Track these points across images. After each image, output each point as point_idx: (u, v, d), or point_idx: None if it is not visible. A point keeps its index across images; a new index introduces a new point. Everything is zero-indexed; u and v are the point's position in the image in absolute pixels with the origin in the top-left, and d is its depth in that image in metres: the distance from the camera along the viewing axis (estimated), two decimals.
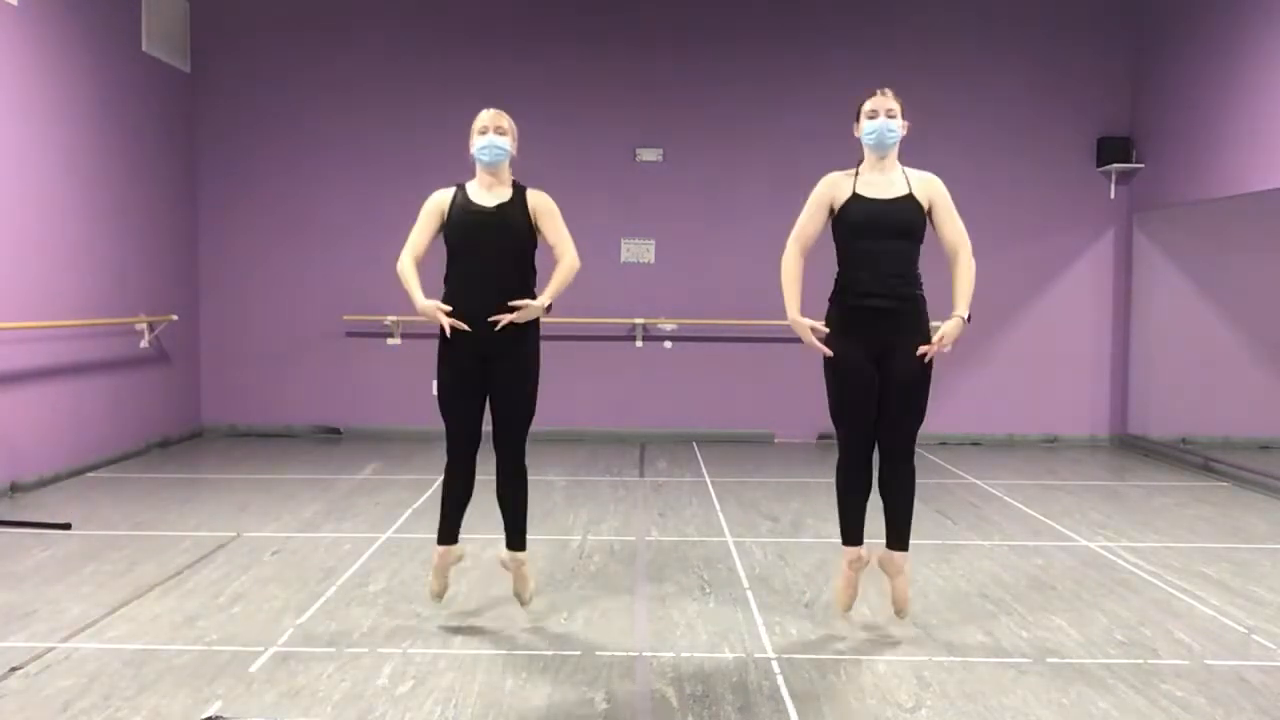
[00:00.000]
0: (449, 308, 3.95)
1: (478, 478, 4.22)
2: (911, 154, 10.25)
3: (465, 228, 4.00)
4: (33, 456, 6.85)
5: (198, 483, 7.28)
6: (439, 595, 4.30)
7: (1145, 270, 9.17)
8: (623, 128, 9.33)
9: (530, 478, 4.30)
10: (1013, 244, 9.36)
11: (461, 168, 9.56)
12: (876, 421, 4.01)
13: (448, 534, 4.23)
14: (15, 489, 6.67)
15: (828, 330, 3.94)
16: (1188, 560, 5.33)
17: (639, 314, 9.29)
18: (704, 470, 7.87)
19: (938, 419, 9.40)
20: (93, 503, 6.48)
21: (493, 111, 4.09)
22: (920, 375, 3.94)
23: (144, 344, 8.32)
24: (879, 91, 3.97)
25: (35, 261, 6.92)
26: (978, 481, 7.53)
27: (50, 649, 3.88)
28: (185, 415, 9.13)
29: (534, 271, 4.15)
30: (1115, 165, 9.13)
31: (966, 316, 3.91)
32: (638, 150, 9.34)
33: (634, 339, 9.36)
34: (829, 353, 3.90)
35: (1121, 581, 4.94)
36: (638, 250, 9.39)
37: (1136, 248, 9.24)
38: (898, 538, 4.10)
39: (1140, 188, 9.20)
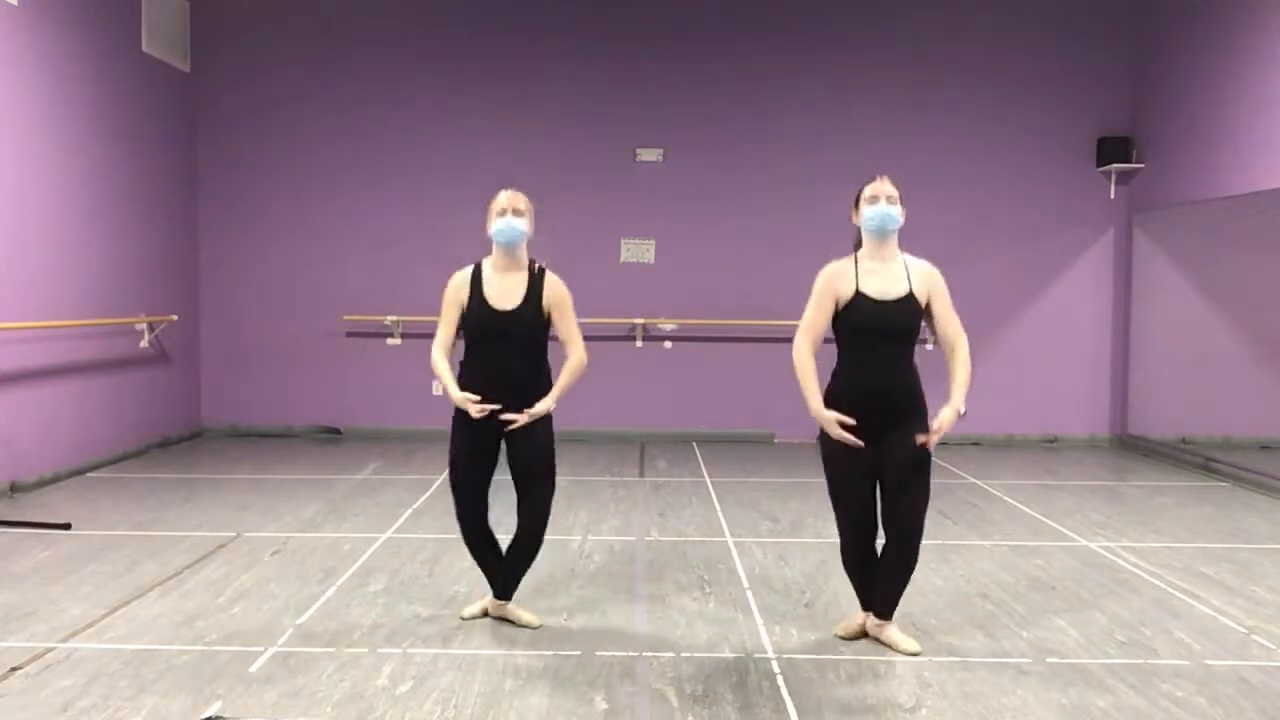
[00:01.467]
0: (478, 398, 3.97)
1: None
2: (912, 153, 10.20)
3: (482, 328, 4.05)
4: (33, 456, 6.86)
5: (198, 483, 7.28)
6: (470, 618, 4.30)
7: (1145, 270, 9.17)
8: (623, 128, 9.33)
9: None
10: (1013, 244, 9.36)
11: (460, 166, 9.53)
12: (880, 513, 3.98)
13: (499, 589, 4.27)
14: (15, 489, 6.67)
15: (853, 422, 3.84)
16: (1188, 560, 5.33)
17: (639, 314, 9.29)
18: (704, 470, 7.87)
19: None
20: (93, 503, 6.48)
21: (510, 193, 4.08)
22: (921, 456, 3.90)
23: (144, 344, 8.32)
24: (878, 178, 3.94)
25: (35, 261, 6.92)
26: (978, 481, 7.53)
27: (50, 649, 3.88)
28: (185, 415, 9.13)
29: (546, 360, 4.17)
30: (1115, 165, 9.13)
31: (962, 411, 3.90)
32: (638, 150, 9.34)
33: (634, 339, 9.36)
34: (859, 444, 3.83)
35: (1121, 581, 4.94)
36: (638, 250, 9.39)
37: (1136, 248, 9.24)
38: (886, 608, 4.04)
39: (1140, 188, 9.20)
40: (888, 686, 3.61)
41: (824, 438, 3.94)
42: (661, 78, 9.31)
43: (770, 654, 3.93)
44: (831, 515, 4.10)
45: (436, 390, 9.21)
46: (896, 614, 4.07)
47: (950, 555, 5.39)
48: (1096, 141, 9.28)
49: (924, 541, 5.60)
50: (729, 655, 3.91)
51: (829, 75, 9.28)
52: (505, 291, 4.06)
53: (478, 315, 4.05)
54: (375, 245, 9.32)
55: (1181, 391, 8.97)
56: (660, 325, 9.32)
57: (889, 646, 4.02)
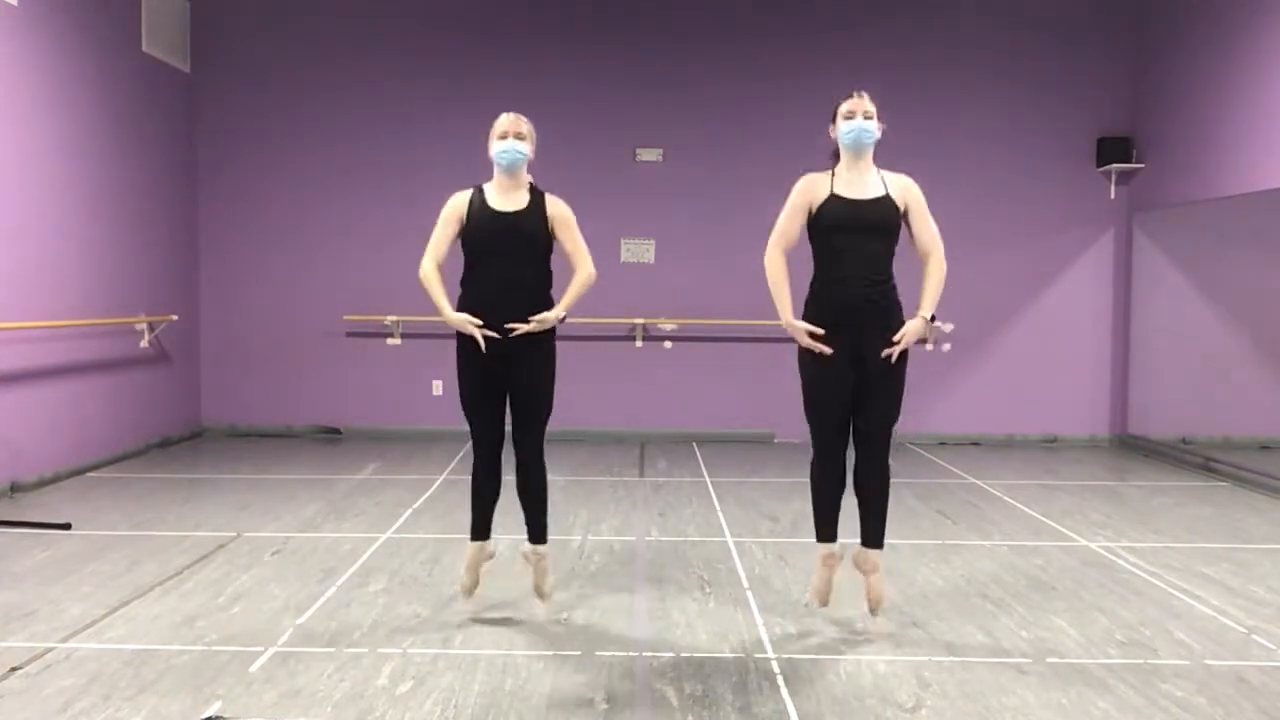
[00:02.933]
0: (479, 321, 3.97)
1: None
2: (911, 155, 10.30)
3: (485, 233, 4.05)
4: (33, 456, 6.86)
5: (198, 483, 7.28)
6: (470, 591, 4.37)
7: (1145, 270, 9.17)
8: (623, 128, 9.33)
9: None
10: (1013, 244, 9.36)
11: (460, 166, 9.57)
12: (852, 417, 4.02)
13: (480, 530, 4.32)
14: (15, 489, 6.67)
15: (822, 331, 3.92)
16: (1188, 560, 5.33)
17: (639, 314, 9.29)
18: (704, 470, 7.87)
19: (938, 419, 9.48)
20: (93, 503, 6.48)
21: (512, 116, 4.11)
22: (896, 368, 3.96)
23: (144, 344, 8.32)
24: (855, 94, 4.03)
25: (35, 261, 6.92)
26: (978, 481, 7.53)
27: (50, 649, 3.88)
28: (185, 415, 9.14)
29: (550, 275, 4.21)
30: (1115, 165, 9.12)
31: (930, 317, 3.96)
32: (638, 150, 9.34)
33: (634, 339, 9.36)
34: (828, 351, 3.90)
35: (1121, 581, 4.94)
36: (638, 250, 9.39)
37: (1136, 248, 9.24)
38: (872, 535, 4.11)
39: (1140, 188, 9.20)
40: (887, 686, 3.61)
41: (801, 350, 3.99)
42: (661, 78, 9.31)
43: (770, 654, 3.93)
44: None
45: (436, 391, 9.23)
46: (891, 606, 4.07)
47: (950, 555, 5.39)
48: (1096, 141, 9.28)
49: (924, 541, 5.64)
50: (729, 655, 3.91)
51: (829, 75, 9.25)
52: (508, 203, 4.10)
53: (481, 221, 4.05)
54: (375, 245, 9.32)
55: (1181, 391, 8.97)
56: (660, 325, 9.32)
57: (867, 586, 4.10)
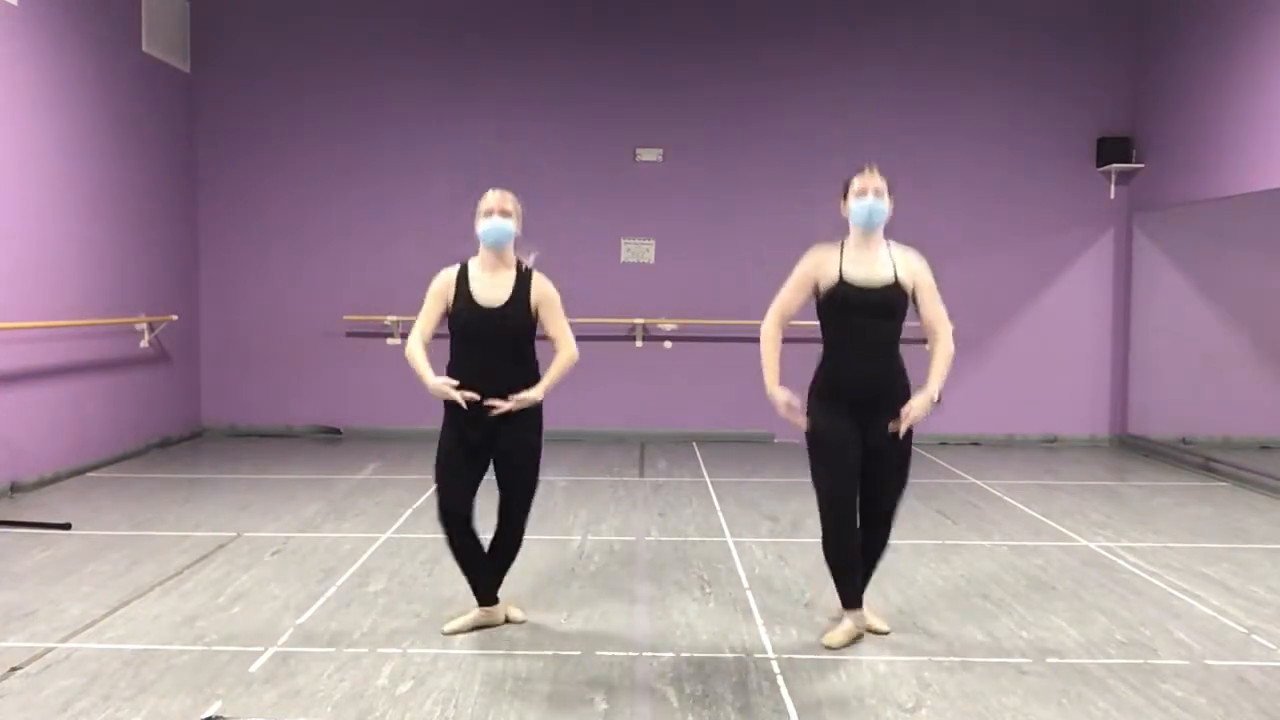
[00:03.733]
0: (456, 382, 3.95)
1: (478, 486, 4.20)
2: (912, 152, 10.18)
3: (468, 326, 4.02)
4: (33, 456, 6.86)
5: (198, 483, 7.28)
6: (453, 633, 4.17)
7: (1145, 270, 9.17)
8: (623, 128, 9.33)
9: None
10: (1013, 244, 9.36)
11: (459, 166, 9.52)
12: (860, 492, 4.02)
13: (484, 595, 4.21)
14: (15, 489, 6.67)
15: (804, 406, 3.95)
16: (1188, 560, 5.33)
17: (639, 314, 9.29)
18: (704, 470, 7.87)
19: (938, 419, 9.41)
20: (93, 503, 6.48)
21: (498, 193, 4.07)
22: (903, 444, 3.96)
23: (144, 344, 8.32)
24: (867, 169, 3.95)
25: (35, 262, 6.92)
26: (978, 481, 7.53)
27: (50, 649, 3.88)
28: (185, 415, 9.14)
29: (534, 359, 4.14)
30: (1115, 165, 9.12)
31: (937, 398, 3.93)
32: (638, 150, 9.34)
33: (634, 339, 9.36)
34: (804, 424, 3.92)
35: (1121, 581, 4.94)
36: (638, 250, 9.39)
37: (1136, 248, 9.24)
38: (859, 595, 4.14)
39: (1140, 188, 9.20)
40: (887, 686, 3.61)
41: (812, 421, 3.96)
42: (661, 78, 9.31)
43: (770, 654, 3.93)
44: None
45: None
46: (891, 606, 4.08)
47: (950, 555, 5.39)
48: (1096, 141, 9.28)
49: (924, 541, 5.64)
50: (729, 655, 3.91)
51: (829, 75, 9.28)
52: (492, 289, 4.04)
53: (465, 313, 4.02)
54: (375, 245, 9.32)
55: (1181, 391, 8.97)
56: (660, 325, 9.32)
57: (869, 629, 4.12)
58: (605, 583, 4.85)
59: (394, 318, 9.14)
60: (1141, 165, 9.08)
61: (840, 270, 3.90)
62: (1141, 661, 3.87)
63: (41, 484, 6.90)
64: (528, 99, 9.31)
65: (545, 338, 4.14)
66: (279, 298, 9.37)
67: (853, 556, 4.05)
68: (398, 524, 5.97)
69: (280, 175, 9.33)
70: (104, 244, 7.76)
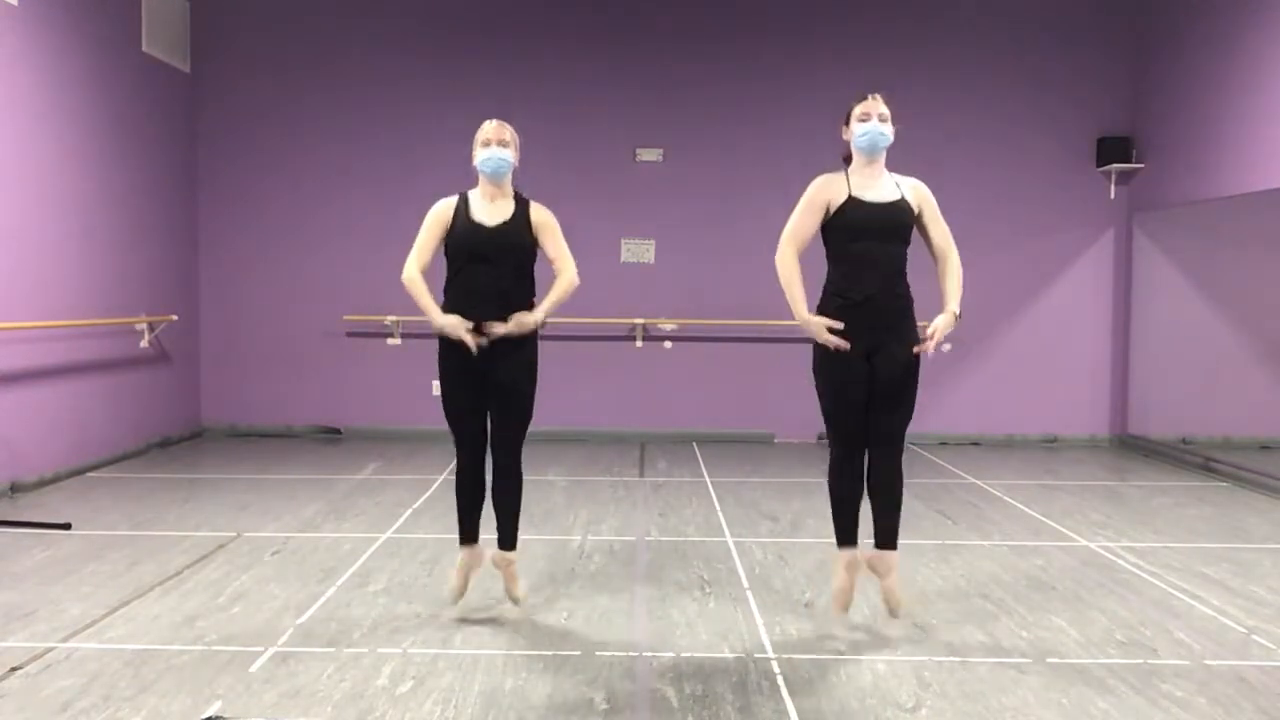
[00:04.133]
0: (471, 324, 3.96)
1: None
2: (910, 154, 10.26)
3: (468, 245, 4.05)
4: (33, 456, 6.86)
5: (198, 483, 7.28)
6: (457, 595, 4.32)
7: (1145, 270, 9.17)
8: (623, 128, 9.33)
9: (530, 478, 4.32)
10: (1013, 244, 9.36)
11: (459, 168, 9.54)
12: (868, 417, 4.02)
13: (468, 534, 4.30)
14: (15, 489, 6.67)
15: (841, 325, 3.91)
16: (1188, 560, 5.33)
17: (639, 314, 9.29)
18: (704, 470, 7.87)
19: (938, 419, 9.47)
20: (93, 503, 6.48)
21: (495, 123, 4.10)
22: (911, 372, 3.98)
23: (144, 344, 8.32)
24: (870, 96, 4.02)
25: (35, 261, 6.92)
26: (978, 481, 7.53)
27: (50, 649, 3.88)
28: (185, 415, 9.14)
29: (533, 283, 4.18)
30: (1115, 165, 9.13)
31: (958, 312, 3.99)
32: (638, 150, 9.34)
33: (634, 339, 9.36)
34: (845, 346, 3.88)
35: (1121, 581, 4.94)
36: (638, 250, 9.39)
37: (1136, 248, 9.24)
38: (887, 536, 4.08)
39: (1140, 188, 9.20)
40: (887, 686, 3.61)
41: (818, 351, 3.97)
42: (661, 78, 9.31)
43: (770, 654, 3.93)
44: (830, 514, 4.13)
45: (436, 391, 9.21)
46: (910, 608, 4.08)
47: (950, 555, 5.39)
48: (1096, 141, 9.28)
49: (924, 541, 5.64)
50: (729, 655, 3.91)
51: (829, 75, 9.27)
52: (493, 212, 4.08)
53: (465, 233, 4.04)
54: (375, 245, 9.31)
55: (1181, 391, 8.97)
56: (660, 325, 9.32)
57: (884, 591, 4.08)
58: (605, 583, 4.85)
59: (394, 318, 9.14)
60: (1141, 165, 9.08)
61: (849, 188, 3.95)
62: (1141, 661, 3.87)
63: (41, 484, 6.90)
64: (528, 99, 9.30)
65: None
66: (279, 298, 9.37)
67: (853, 495, 4.08)
68: (398, 524, 5.97)
69: (280, 175, 9.33)
70: (104, 244, 7.76)
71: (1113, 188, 9.35)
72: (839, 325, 3.90)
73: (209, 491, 6.90)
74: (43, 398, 7.00)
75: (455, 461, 4.27)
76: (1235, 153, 7.81)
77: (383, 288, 9.17)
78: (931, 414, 9.19)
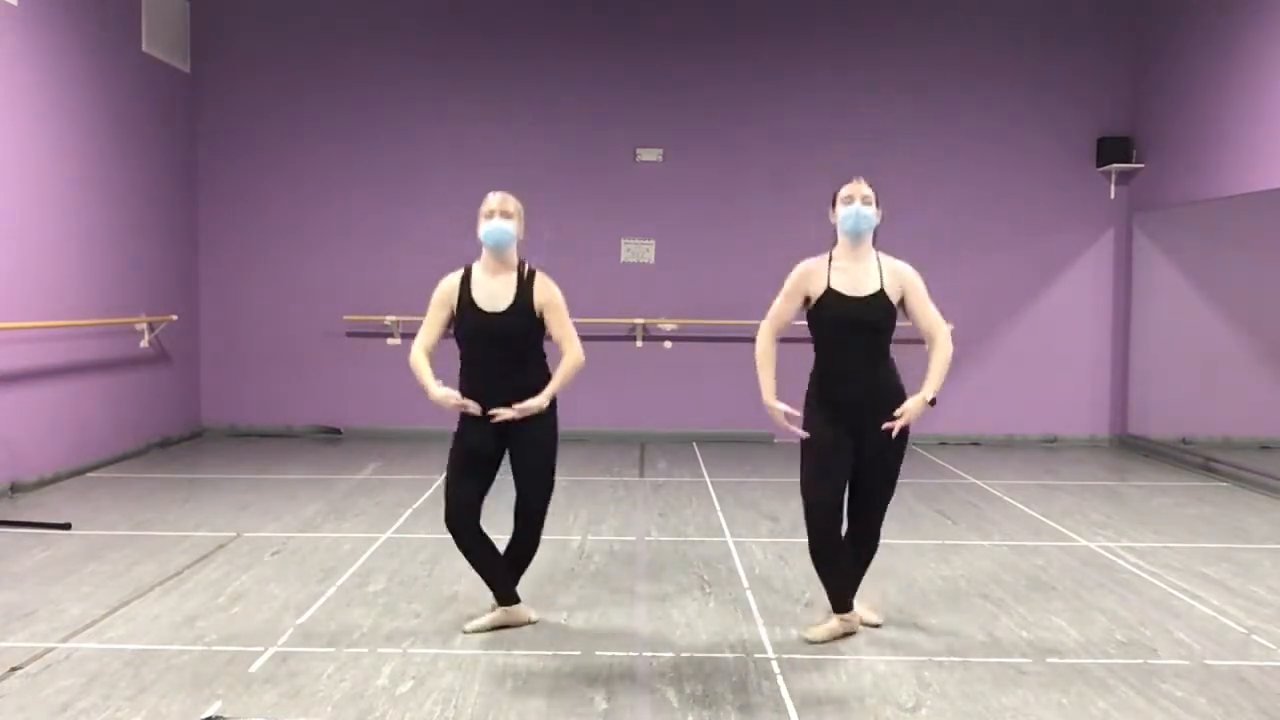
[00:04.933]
0: (457, 394, 3.98)
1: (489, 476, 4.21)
2: (911, 154, 10.18)
3: (473, 333, 4.04)
4: (33, 456, 6.86)
5: (198, 483, 7.28)
6: (474, 631, 4.16)
7: (1145, 270, 9.17)
8: (623, 128, 9.33)
9: None
10: (1013, 244, 9.36)
11: (459, 166, 9.51)
12: (849, 497, 4.06)
13: (503, 595, 4.20)
14: (15, 489, 6.67)
15: (800, 414, 3.97)
16: (1188, 560, 5.33)
17: (639, 314, 9.29)
18: (704, 470, 7.87)
19: (938, 419, 9.42)
20: (93, 503, 6.48)
21: (500, 195, 4.07)
22: (897, 451, 3.99)
23: (144, 344, 8.32)
24: (855, 179, 4.00)
25: (35, 262, 6.92)
26: (978, 481, 7.53)
27: (50, 649, 3.88)
28: (185, 415, 9.13)
29: (543, 357, 4.17)
30: (1115, 165, 9.13)
31: (931, 400, 3.96)
32: (638, 150, 9.34)
33: (634, 339, 9.36)
34: (804, 435, 3.95)
35: (1121, 581, 4.94)
36: (638, 250, 9.39)
37: (1136, 248, 9.24)
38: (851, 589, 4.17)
39: (1140, 188, 9.20)
40: (887, 686, 3.61)
41: (809, 428, 3.98)
42: (661, 78, 9.31)
43: (770, 654, 3.93)
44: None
45: None
46: (890, 606, 4.10)
47: (950, 555, 5.39)
48: (1096, 141, 9.28)
49: (924, 541, 5.65)
50: (729, 655, 3.91)
51: (829, 75, 9.27)
52: (494, 294, 4.04)
53: (468, 320, 4.04)
54: (375, 245, 9.32)
55: (1181, 391, 8.97)
56: (660, 325, 9.32)
57: (862, 622, 4.15)
58: (605, 583, 4.85)
59: (394, 318, 9.14)
60: (1141, 165, 9.08)
61: (827, 280, 3.95)
62: (1141, 661, 3.87)
63: (41, 484, 6.90)
64: (528, 99, 9.31)
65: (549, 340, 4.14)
66: (279, 298, 9.37)
67: (839, 564, 4.06)
68: (398, 524, 5.97)
69: (280, 175, 9.33)
70: (104, 244, 7.76)
71: (1113, 188, 9.35)
72: (796, 414, 3.95)
73: (209, 491, 6.90)
74: (43, 398, 7.00)
75: (444, 515, 4.08)
76: (1235, 153, 7.81)
77: (383, 288, 9.21)
78: (932, 414, 9.18)
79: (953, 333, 4.06)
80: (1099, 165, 9.26)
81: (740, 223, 9.33)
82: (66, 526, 5.73)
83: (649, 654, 3.91)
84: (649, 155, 9.35)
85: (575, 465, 7.89)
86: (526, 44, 9.29)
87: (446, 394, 3.97)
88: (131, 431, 8.16)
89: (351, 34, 9.30)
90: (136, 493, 6.81)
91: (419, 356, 4.10)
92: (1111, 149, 9.15)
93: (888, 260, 4.01)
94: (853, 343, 3.92)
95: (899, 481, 4.13)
